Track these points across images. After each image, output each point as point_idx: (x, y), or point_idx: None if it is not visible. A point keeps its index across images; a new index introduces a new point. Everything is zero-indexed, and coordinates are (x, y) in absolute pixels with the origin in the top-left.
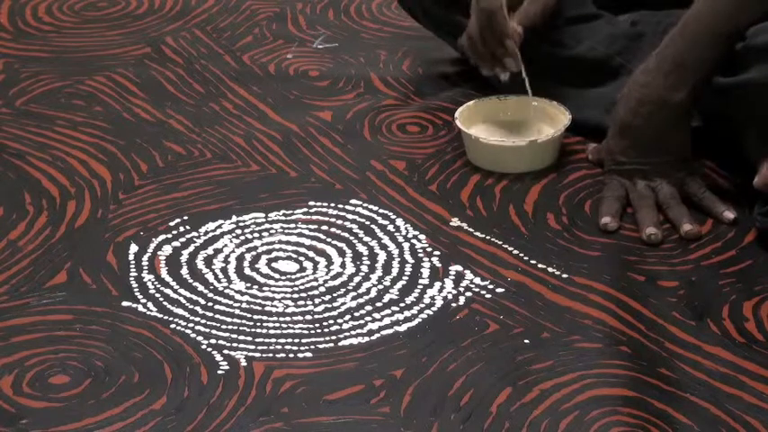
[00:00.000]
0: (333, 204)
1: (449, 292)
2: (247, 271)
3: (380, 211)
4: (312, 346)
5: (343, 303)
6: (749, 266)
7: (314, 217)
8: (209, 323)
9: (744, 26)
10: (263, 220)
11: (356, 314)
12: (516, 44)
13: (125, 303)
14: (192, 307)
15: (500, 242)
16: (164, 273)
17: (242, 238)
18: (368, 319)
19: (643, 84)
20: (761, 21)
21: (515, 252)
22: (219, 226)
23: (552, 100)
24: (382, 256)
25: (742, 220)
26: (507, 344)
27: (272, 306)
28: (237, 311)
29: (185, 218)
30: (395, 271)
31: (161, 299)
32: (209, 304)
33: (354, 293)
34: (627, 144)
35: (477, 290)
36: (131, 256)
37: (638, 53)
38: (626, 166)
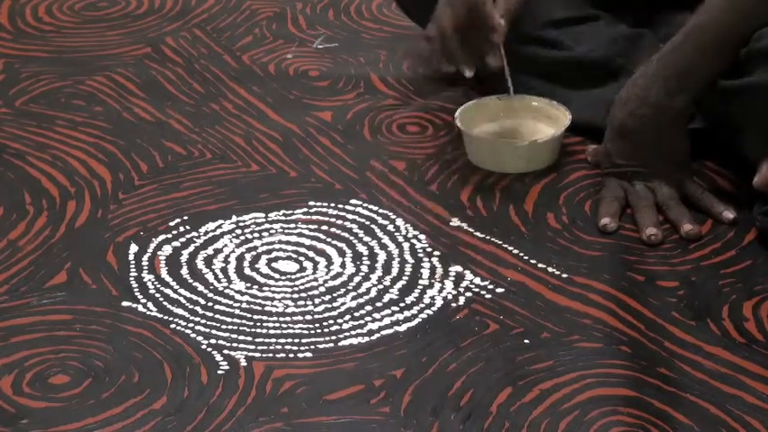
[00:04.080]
0: (333, 204)
1: (449, 293)
2: (247, 271)
3: (380, 211)
4: (312, 346)
5: (343, 303)
6: (749, 266)
7: (314, 217)
8: (209, 323)
9: (747, 34)
10: (263, 220)
11: (356, 314)
12: (501, 39)
13: (125, 303)
14: (191, 307)
15: (500, 242)
16: (164, 273)
17: (242, 238)
18: (368, 319)
19: (642, 87)
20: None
21: (515, 252)
22: (219, 226)
23: (552, 100)
24: (382, 256)
25: (742, 220)
26: (507, 344)
27: (272, 306)
28: (237, 311)
29: (185, 218)
30: (395, 271)
31: (161, 299)
32: (209, 304)
33: (354, 293)
34: (625, 147)
35: (477, 290)
36: (131, 256)
37: (638, 55)
38: (624, 169)
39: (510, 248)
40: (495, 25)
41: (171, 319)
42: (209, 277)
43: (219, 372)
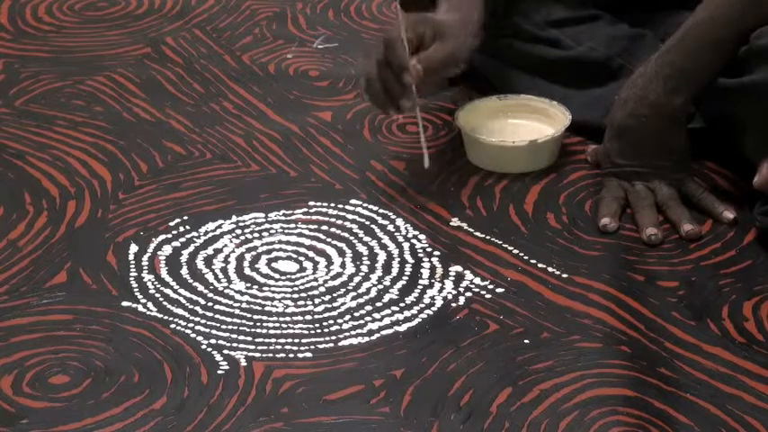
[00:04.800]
0: (333, 204)
1: (449, 293)
2: (247, 271)
3: (380, 211)
4: (312, 346)
5: (343, 303)
6: (749, 266)
7: (314, 217)
8: (209, 323)
9: (746, 32)
10: (263, 220)
11: (356, 314)
12: (413, 81)
13: (125, 303)
14: (191, 307)
15: (500, 242)
16: (164, 273)
17: (242, 238)
18: (368, 319)
19: (641, 87)
20: (765, 24)
21: (515, 252)
22: (219, 226)
23: (552, 100)
24: (382, 256)
25: (742, 220)
26: (507, 344)
27: (272, 306)
28: (237, 311)
29: (185, 218)
30: (395, 271)
31: (161, 299)
32: (209, 304)
33: (354, 293)
34: (624, 147)
35: (477, 290)
36: (131, 256)
37: (638, 54)
38: (624, 169)
39: (510, 248)
40: (405, 66)
41: (171, 319)
42: (209, 277)
43: (219, 372)
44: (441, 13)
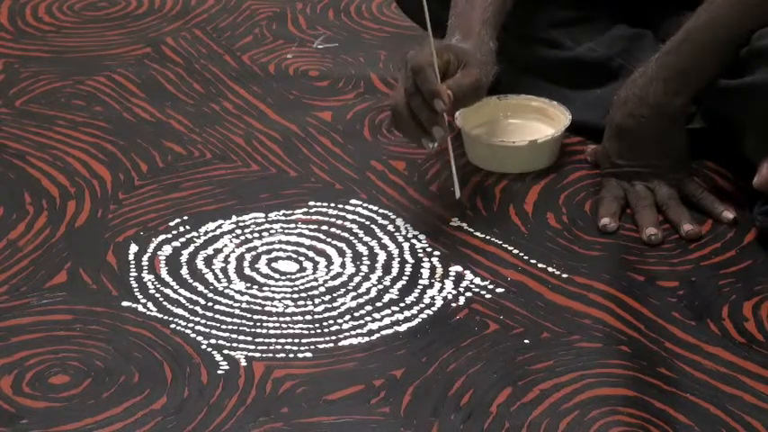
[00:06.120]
0: (333, 204)
1: (449, 293)
2: (247, 271)
3: (380, 211)
4: (312, 346)
5: (343, 303)
6: (749, 266)
7: (314, 217)
8: (209, 323)
9: (747, 34)
10: (263, 220)
11: (356, 314)
12: (446, 107)
13: (125, 303)
14: (192, 307)
15: (500, 242)
16: (164, 273)
17: (242, 238)
18: (368, 319)
19: (641, 87)
20: (765, 26)
21: (515, 252)
22: (219, 226)
23: (552, 100)
24: (382, 256)
25: (742, 220)
26: (507, 344)
27: (272, 306)
28: (237, 311)
29: (185, 218)
30: (395, 271)
31: (161, 299)
32: (209, 304)
33: (354, 293)
34: (623, 147)
35: (477, 290)
36: (131, 256)
37: (638, 54)
38: (623, 169)
39: (510, 248)
40: (437, 92)
41: (171, 319)
42: (209, 277)
43: (219, 372)
44: (456, 42)
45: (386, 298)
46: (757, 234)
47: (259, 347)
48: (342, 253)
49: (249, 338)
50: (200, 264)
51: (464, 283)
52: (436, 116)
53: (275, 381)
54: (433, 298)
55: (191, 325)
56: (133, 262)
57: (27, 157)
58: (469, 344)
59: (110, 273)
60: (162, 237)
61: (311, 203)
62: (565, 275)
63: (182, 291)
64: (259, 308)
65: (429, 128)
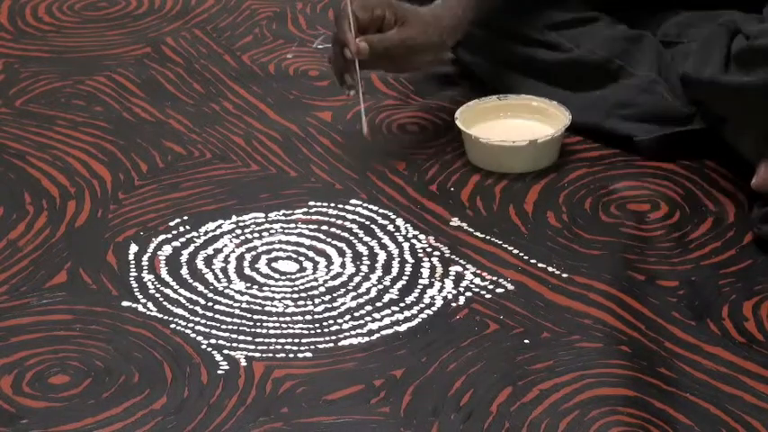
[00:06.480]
0: (333, 204)
1: (449, 293)
2: (247, 271)
3: (380, 211)
4: (312, 346)
5: (343, 303)
6: (749, 266)
7: (314, 217)
8: (209, 323)
9: None
10: (263, 220)
11: (356, 314)
12: (352, 57)
13: (125, 303)
14: (192, 307)
15: (500, 242)
16: (164, 273)
17: (242, 238)
18: (368, 319)
19: None
20: None
21: (515, 252)
22: (219, 226)
23: (552, 100)
24: (382, 256)
25: (742, 219)
26: (507, 344)
27: (272, 306)
28: (237, 311)
29: (185, 218)
30: (395, 271)
31: (161, 299)
32: (209, 304)
33: (354, 293)
34: None
35: (477, 290)
36: (131, 256)
37: (637, 56)
38: None
39: (510, 248)
40: (346, 41)
41: (171, 319)
42: (209, 277)
43: (219, 372)
44: (428, 6)
45: (386, 298)
46: (755, 240)
47: (259, 347)
48: (342, 253)
49: (249, 338)
50: (200, 264)
51: (464, 283)
52: (346, 63)
53: (275, 381)
54: (433, 298)
55: (191, 325)
56: (133, 262)
57: (27, 157)
58: (469, 344)
59: (110, 273)
60: (162, 237)
61: (311, 203)
62: (565, 275)
63: (182, 291)
64: (259, 308)
65: (339, 74)
